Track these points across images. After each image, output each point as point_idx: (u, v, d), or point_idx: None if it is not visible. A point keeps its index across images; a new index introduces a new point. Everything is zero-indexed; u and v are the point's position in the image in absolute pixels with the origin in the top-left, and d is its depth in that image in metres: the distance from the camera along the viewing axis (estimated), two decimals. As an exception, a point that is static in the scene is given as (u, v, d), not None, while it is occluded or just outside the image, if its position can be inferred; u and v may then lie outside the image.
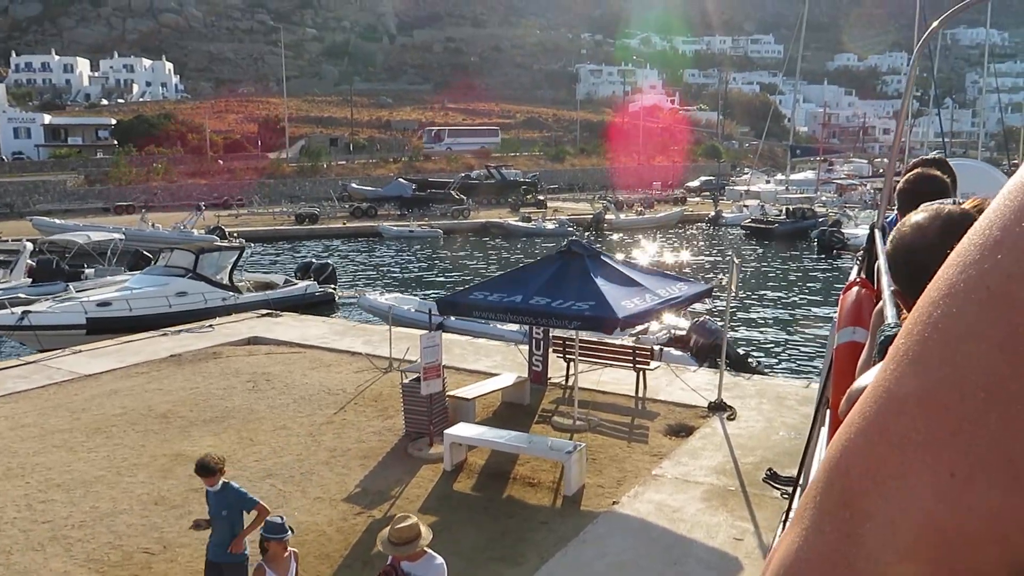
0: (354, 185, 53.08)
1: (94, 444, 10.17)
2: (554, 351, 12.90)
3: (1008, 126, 72.09)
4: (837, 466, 0.42)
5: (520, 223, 42.42)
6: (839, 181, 59.91)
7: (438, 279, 29.79)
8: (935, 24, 4.48)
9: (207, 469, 6.15)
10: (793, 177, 60.57)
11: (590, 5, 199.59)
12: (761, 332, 21.51)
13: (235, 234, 30.65)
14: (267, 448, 10.10)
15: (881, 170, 66.51)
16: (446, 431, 9.58)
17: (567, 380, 12.45)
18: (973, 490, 0.36)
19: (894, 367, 0.41)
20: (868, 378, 1.47)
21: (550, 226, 41.38)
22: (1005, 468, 0.35)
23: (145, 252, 23.73)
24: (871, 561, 0.40)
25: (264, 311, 18.30)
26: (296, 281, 22.31)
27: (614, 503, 8.62)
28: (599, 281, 10.50)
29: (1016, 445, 0.34)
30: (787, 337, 21.08)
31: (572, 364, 11.85)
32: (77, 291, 18.68)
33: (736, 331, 20.28)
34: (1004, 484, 0.35)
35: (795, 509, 0.48)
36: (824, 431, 3.15)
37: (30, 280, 21.52)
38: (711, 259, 35.00)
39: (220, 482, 6.21)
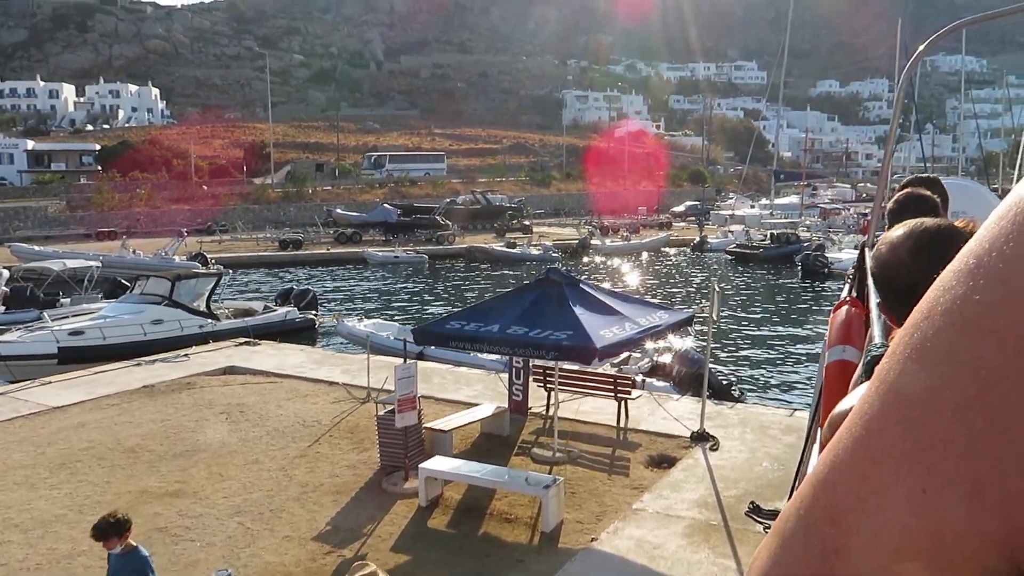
0: (339, 211, 52.89)
1: (57, 480, 9.83)
2: (535, 380, 12.68)
3: (988, 151, 73.08)
4: (825, 481, 0.43)
5: (505, 248, 42.31)
6: (823, 205, 60.37)
7: (422, 305, 29.56)
8: (921, 48, 4.40)
9: (100, 531, 5.49)
10: (777, 202, 60.99)
11: (576, 32, 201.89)
12: (745, 359, 21.38)
13: (213, 260, 30.32)
14: (237, 483, 9.80)
15: (865, 194, 67.09)
16: (421, 465, 9.32)
17: (548, 410, 12.22)
18: (943, 505, 0.37)
19: (878, 385, 0.42)
20: (848, 401, 1.41)
21: (535, 251, 41.28)
22: (970, 484, 0.36)
23: (123, 280, 23.38)
24: (854, 574, 0.41)
25: (242, 339, 17.99)
26: (276, 308, 22.02)
27: (593, 539, 8.37)
28: (578, 310, 10.33)
29: (979, 462, 0.36)
30: (771, 365, 20.95)
31: (552, 394, 11.64)
32: (51, 319, 18.31)
33: (720, 359, 20.14)
34: (969, 500, 0.36)
35: (776, 521, 0.47)
36: (816, 448, 3.11)
37: (3, 308, 21.13)
38: (696, 285, 34.97)
39: (121, 545, 5.56)
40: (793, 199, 61.32)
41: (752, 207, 62.05)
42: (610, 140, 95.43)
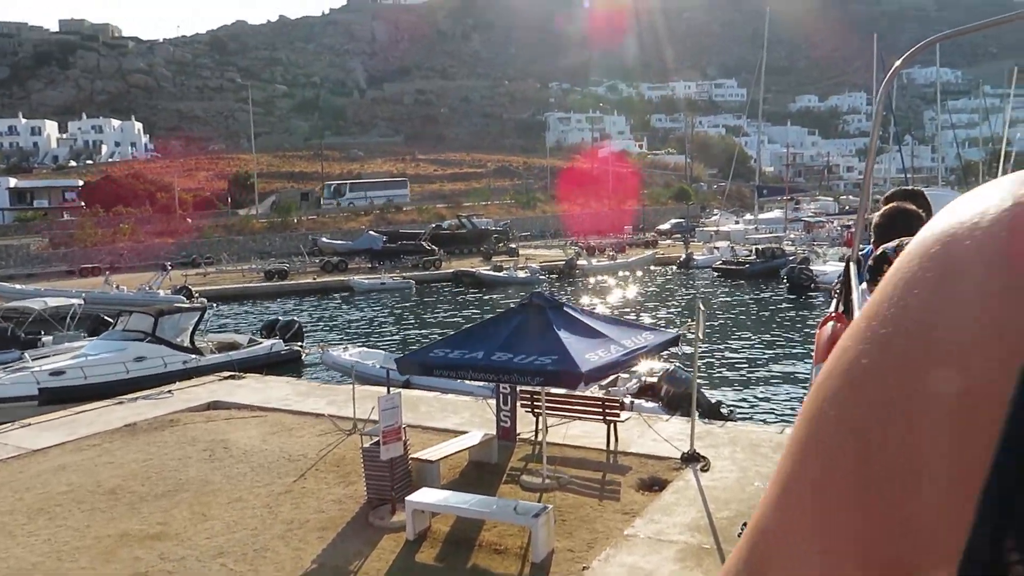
0: (324, 239, 52.78)
1: (35, 527, 9.59)
2: (522, 406, 12.55)
3: (966, 160, 73.94)
4: (752, 541, 0.45)
5: (492, 272, 42.27)
6: (807, 219, 60.73)
7: (410, 331, 29.40)
8: (898, 63, 4.40)
9: None
10: (761, 216, 61.39)
11: (557, 55, 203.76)
12: (734, 377, 21.31)
13: (198, 293, 30.06)
14: (220, 523, 9.59)
15: (848, 207, 67.61)
16: (408, 498, 9.15)
17: (537, 435, 12.08)
18: (841, 569, 0.38)
19: (791, 445, 0.43)
20: None
21: (522, 274, 41.23)
22: (861, 548, 0.37)
23: (105, 316, 23.11)
24: None
25: (227, 373, 17.79)
26: (261, 340, 21.81)
27: (584, 568, 8.22)
28: (562, 334, 10.23)
29: (867, 526, 0.37)
30: (760, 381, 20.89)
31: (541, 419, 11.51)
32: (32, 359, 18.05)
33: (710, 377, 20.07)
34: (863, 564, 0.37)
35: (722, 570, 0.48)
36: None
37: (-17, 349, 20.81)
38: (683, 302, 34.98)
39: None
40: (777, 213, 61.68)
41: (736, 223, 62.36)
42: (593, 160, 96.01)
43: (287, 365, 21.25)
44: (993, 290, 0.35)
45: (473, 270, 43.11)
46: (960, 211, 0.39)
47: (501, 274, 41.69)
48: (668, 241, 60.60)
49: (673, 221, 69.50)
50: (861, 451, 0.38)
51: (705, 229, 61.30)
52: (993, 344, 0.34)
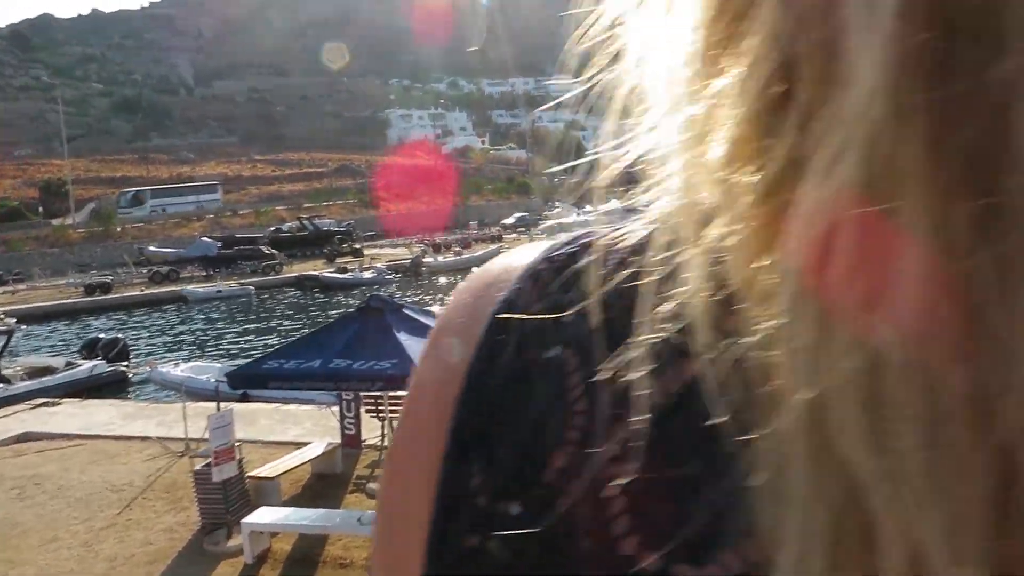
0: (152, 248, 49.49)
1: None
2: (367, 411, 12.26)
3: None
4: None
5: (336, 274, 41.26)
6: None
7: (252, 341, 28.12)
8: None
9: None
10: (600, 207, 63.59)
11: (397, 51, 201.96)
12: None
13: (2, 315, 27.21)
14: (32, 568, 8.69)
15: (678, 196, 71.65)
16: (244, 519, 8.68)
17: (383, 440, 11.84)
18: None
19: None
20: None
21: (367, 275, 40.50)
22: None
23: None
24: None
25: (41, 400, 16.22)
26: (81, 362, 20.06)
27: (433, 572, 8.13)
28: (402, 336, 10.07)
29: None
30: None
31: (385, 424, 11.28)
32: None
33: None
34: None
35: None
36: None
37: None
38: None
39: None
40: (616, 204, 64.23)
41: (577, 214, 64.30)
42: (434, 157, 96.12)
43: (112, 387, 19.67)
44: (436, 364, 0.40)
45: (316, 273, 41.90)
46: (472, 278, 0.44)
47: (346, 276, 40.78)
48: (513, 235, 61.57)
49: (517, 215, 70.68)
50: (389, 487, 0.41)
51: (548, 222, 62.74)
52: (434, 410, 0.38)
